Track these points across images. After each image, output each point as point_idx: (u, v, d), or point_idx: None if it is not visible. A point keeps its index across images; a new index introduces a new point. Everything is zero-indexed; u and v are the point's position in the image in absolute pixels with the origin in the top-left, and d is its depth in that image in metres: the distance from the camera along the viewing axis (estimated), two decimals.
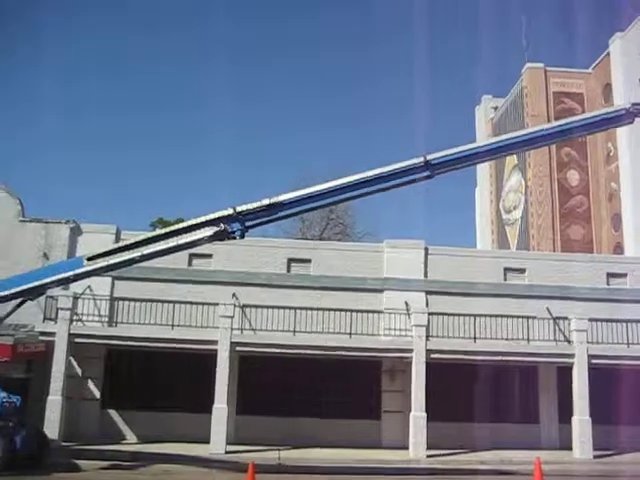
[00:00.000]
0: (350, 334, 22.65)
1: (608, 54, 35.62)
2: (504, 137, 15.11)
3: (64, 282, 16.73)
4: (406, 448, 21.22)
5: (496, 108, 45.15)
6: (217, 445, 19.86)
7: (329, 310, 22.98)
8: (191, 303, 22.42)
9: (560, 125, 15.02)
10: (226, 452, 19.73)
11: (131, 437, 22.20)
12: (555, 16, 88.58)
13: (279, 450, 20.03)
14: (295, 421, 22.42)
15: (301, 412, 22.58)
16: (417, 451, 20.60)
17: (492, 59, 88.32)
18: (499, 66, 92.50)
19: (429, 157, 13.63)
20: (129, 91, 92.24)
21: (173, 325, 22.04)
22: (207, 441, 19.90)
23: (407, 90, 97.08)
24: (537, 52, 73.44)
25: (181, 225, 15.14)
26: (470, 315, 23.51)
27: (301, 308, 22.92)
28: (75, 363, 22.20)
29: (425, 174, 13.86)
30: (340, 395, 23.14)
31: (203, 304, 22.30)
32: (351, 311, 23.05)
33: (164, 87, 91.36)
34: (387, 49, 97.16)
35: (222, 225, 14.21)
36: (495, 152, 14.83)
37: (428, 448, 20.56)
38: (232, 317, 21.11)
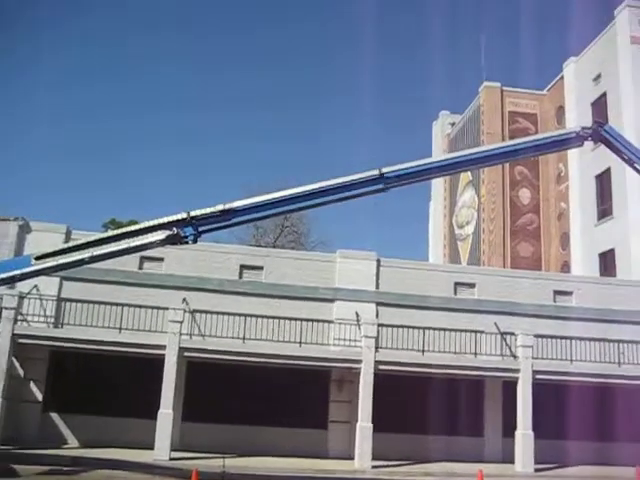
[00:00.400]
0: (300, 343, 22.64)
1: (562, 77, 36.49)
2: (458, 154, 15.35)
3: (10, 281, 16.31)
4: (352, 458, 21.28)
5: (453, 124, 45.81)
6: (161, 451, 19.58)
7: (280, 318, 22.94)
8: (140, 307, 22.10)
9: (512, 145, 15.36)
10: (170, 459, 19.47)
11: (73, 442, 21.75)
12: (514, 38, 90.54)
13: (224, 458, 19.87)
14: (242, 429, 22.27)
15: (248, 420, 22.44)
16: (362, 461, 20.66)
17: (451, 76, 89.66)
18: (457, 83, 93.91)
19: (384, 170, 13.73)
20: (90, 93, 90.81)
21: (121, 328, 21.66)
22: (151, 447, 19.61)
23: (367, 104, 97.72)
24: (495, 72, 75.09)
25: (133, 227, 14.94)
26: (420, 328, 23.73)
27: (252, 315, 22.83)
28: (17, 364, 21.67)
29: (379, 187, 13.95)
30: (288, 404, 23.09)
31: (152, 308, 22.00)
32: (302, 320, 23.05)
33: (124, 90, 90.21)
34: (348, 63, 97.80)
35: (175, 229, 14.07)
36: (449, 168, 15.02)
37: (374, 459, 20.64)
38: (181, 322, 20.92)
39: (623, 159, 14.81)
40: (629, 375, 23.66)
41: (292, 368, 21.80)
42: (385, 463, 20.77)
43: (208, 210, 13.82)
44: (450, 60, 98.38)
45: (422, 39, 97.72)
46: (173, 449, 19.94)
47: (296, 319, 23.02)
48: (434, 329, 23.81)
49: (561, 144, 15.23)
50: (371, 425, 20.92)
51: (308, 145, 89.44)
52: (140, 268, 23.40)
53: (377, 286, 24.78)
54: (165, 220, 14.14)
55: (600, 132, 14.42)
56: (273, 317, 22.96)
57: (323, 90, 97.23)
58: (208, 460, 19.44)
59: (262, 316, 22.92)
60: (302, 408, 23.17)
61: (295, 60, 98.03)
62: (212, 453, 20.31)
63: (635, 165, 14.55)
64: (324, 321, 23.46)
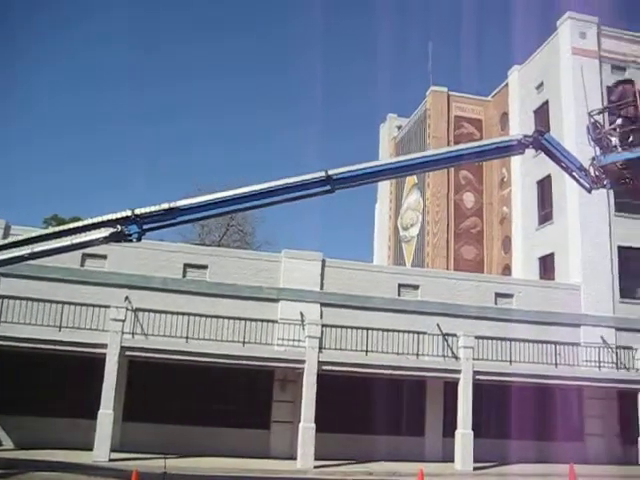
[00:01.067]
0: (243, 343, 22.57)
1: (507, 85, 37.20)
2: (403, 158, 15.54)
3: None
4: (294, 458, 21.30)
5: (400, 127, 46.21)
6: (101, 452, 19.24)
7: (223, 318, 22.84)
8: (81, 305, 21.67)
9: (456, 150, 15.63)
10: (110, 460, 19.16)
11: (8, 443, 21.19)
12: (461, 44, 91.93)
13: (165, 458, 19.58)
14: (184, 429, 22.05)
15: (190, 420, 22.25)
16: (305, 462, 20.71)
17: (400, 80, 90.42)
18: (406, 87, 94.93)
19: (331, 172, 13.76)
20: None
21: (61, 327, 21.18)
22: (91, 448, 19.27)
23: (318, 107, 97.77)
24: (443, 77, 75.96)
25: (76, 224, 14.62)
26: (364, 328, 23.94)
27: (195, 314, 22.64)
28: None
29: (326, 188, 13.97)
30: (231, 404, 23.00)
31: (94, 306, 21.62)
32: (246, 319, 22.99)
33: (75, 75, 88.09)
34: (298, 67, 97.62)
35: (119, 227, 13.84)
36: (394, 171, 15.14)
37: (317, 459, 20.71)
38: (123, 321, 20.60)
39: (561, 167, 15.21)
40: (565, 376, 24.38)
41: (235, 368, 21.71)
42: (328, 463, 20.87)
43: (153, 208, 13.62)
44: (399, 65, 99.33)
45: (372, 44, 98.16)
46: (113, 450, 19.63)
47: (240, 319, 22.96)
48: (378, 330, 24.06)
49: (504, 150, 15.53)
50: (314, 425, 20.98)
51: (259, 147, 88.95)
52: (82, 265, 22.99)
53: (322, 287, 24.90)
54: (109, 217, 13.87)
55: (541, 140, 14.76)
56: (217, 316, 22.85)
57: (274, 93, 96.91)
58: (149, 461, 19.16)
59: (206, 315, 22.76)
60: (245, 408, 23.13)
61: (245, 64, 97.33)
62: (153, 454, 19.98)
63: (573, 173, 14.95)
64: (268, 321, 23.45)
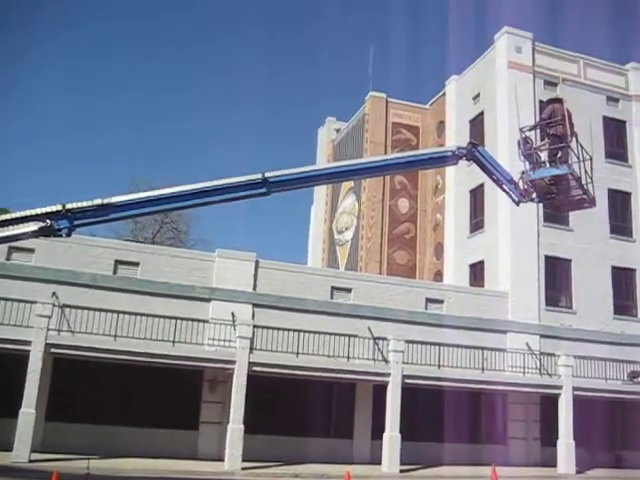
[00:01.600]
0: (174, 342, 22.28)
1: (444, 94, 37.88)
2: (340, 164, 15.69)
3: None
4: (222, 460, 21.13)
5: (339, 130, 46.46)
6: (21, 453, 18.60)
7: (154, 316, 22.46)
8: (6, 299, 20.95)
9: (392, 159, 16.04)
10: (30, 460, 18.54)
11: None
12: (403, 52, 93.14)
13: (89, 459, 19.19)
14: (109, 429, 21.58)
15: (116, 420, 21.78)
16: (232, 463, 20.57)
17: (340, 85, 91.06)
18: (346, 92, 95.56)
19: (267, 175, 13.73)
20: None
21: None
22: (10, 449, 18.64)
23: (259, 110, 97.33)
24: (383, 84, 76.84)
25: (4, 217, 14.16)
26: (296, 330, 23.96)
27: (125, 312, 22.14)
28: None
29: (262, 191, 13.93)
30: (158, 404, 22.60)
31: (19, 301, 20.89)
32: (177, 319, 22.70)
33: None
34: (241, 72, 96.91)
35: (49, 221, 13.46)
36: (330, 177, 15.27)
37: (245, 460, 20.60)
38: (49, 317, 20.03)
39: (492, 179, 15.65)
40: (491, 380, 24.97)
41: (164, 368, 21.39)
42: (256, 465, 20.78)
43: (85, 204, 13.28)
44: (339, 70, 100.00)
45: (317, 48, 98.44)
46: (34, 450, 19.04)
47: (171, 317, 22.65)
48: (310, 332, 24.10)
49: (438, 161, 15.87)
50: (242, 427, 20.87)
51: (203, 150, 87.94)
52: (8, 259, 22.28)
53: (255, 287, 24.82)
54: (39, 211, 13.46)
55: (474, 152, 15.15)
56: (147, 315, 22.44)
57: (216, 96, 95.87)
58: (72, 462, 18.70)
59: (136, 313, 22.31)
60: (173, 409, 22.76)
61: (184, 70, 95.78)
62: (77, 454, 19.55)
63: (503, 186, 15.42)
64: (199, 320, 23.21)
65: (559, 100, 15.47)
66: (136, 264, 23.75)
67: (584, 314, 29.52)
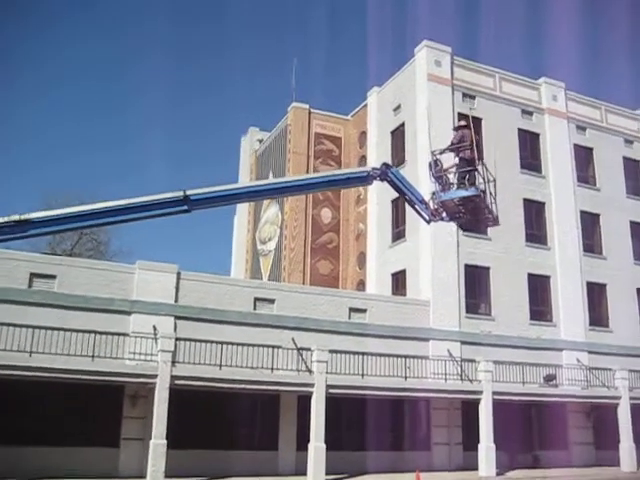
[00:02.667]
0: (93, 357, 21.61)
1: (366, 105, 38.34)
2: (261, 183, 16.34)
3: None
4: (144, 477, 20.60)
5: (262, 140, 46.33)
6: None
7: (72, 331, 21.71)
8: None
9: (311, 178, 16.58)
10: None
11: None
12: (326, 63, 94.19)
13: None
14: (24, 450, 20.64)
15: (34, 440, 20.87)
16: (155, 479, 20.08)
17: (263, 95, 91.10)
18: (269, 101, 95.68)
19: (189, 192, 13.66)
20: None
21: None
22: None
23: (184, 117, 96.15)
24: (307, 94, 77.39)
25: None
26: (219, 342, 23.64)
27: (41, 327, 21.30)
28: None
29: (183, 208, 13.88)
30: (76, 421, 21.82)
31: None
32: (96, 333, 22.05)
33: None
34: (156, 74, 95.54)
35: None
36: (252, 195, 15.50)
37: (168, 476, 20.17)
38: None
39: (405, 199, 16.41)
40: (414, 388, 25.29)
41: (84, 383, 20.69)
42: None
43: (1, 220, 12.80)
44: (264, 80, 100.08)
45: (244, 55, 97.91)
46: None
47: (89, 332, 21.97)
48: (233, 344, 23.82)
49: (355, 181, 16.44)
50: (165, 442, 20.41)
51: (114, 154, 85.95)
52: None
53: (176, 299, 24.40)
54: None
55: (387, 173, 15.85)
56: (64, 329, 21.67)
57: (130, 99, 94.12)
58: None
59: (53, 328, 21.49)
60: (92, 425, 22.02)
61: (83, 71, 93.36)
62: None
63: (415, 206, 16.19)
64: (119, 334, 22.61)
65: (467, 126, 16.32)
66: (53, 277, 22.95)
67: (502, 320, 30.37)
